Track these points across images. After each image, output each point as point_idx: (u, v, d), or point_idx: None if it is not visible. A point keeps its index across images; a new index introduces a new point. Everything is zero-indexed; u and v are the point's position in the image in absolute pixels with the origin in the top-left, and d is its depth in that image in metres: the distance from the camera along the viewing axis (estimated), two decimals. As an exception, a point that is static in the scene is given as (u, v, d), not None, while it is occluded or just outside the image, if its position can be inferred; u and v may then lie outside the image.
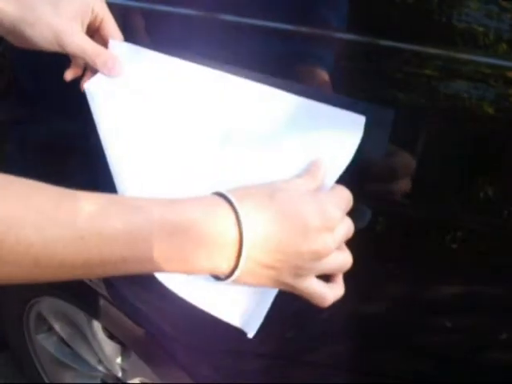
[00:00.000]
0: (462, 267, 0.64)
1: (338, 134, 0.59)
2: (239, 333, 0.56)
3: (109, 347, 1.10)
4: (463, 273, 0.64)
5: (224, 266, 0.47)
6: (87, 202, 0.44)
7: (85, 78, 0.65)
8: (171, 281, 0.58)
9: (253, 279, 0.49)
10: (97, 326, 1.07)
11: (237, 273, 0.47)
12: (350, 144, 0.58)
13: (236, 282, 0.49)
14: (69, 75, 0.66)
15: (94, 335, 1.09)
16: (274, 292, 0.56)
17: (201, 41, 0.69)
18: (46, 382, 1.26)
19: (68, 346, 1.18)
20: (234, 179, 0.55)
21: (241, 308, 0.58)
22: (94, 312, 1.02)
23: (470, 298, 0.65)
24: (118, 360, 1.12)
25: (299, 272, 0.49)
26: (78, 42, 0.62)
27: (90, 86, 0.63)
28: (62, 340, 1.19)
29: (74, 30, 0.62)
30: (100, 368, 1.16)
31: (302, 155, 0.58)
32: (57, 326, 1.16)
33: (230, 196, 0.48)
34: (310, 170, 0.54)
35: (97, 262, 0.44)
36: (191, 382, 0.85)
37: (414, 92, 0.63)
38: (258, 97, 0.62)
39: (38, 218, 0.42)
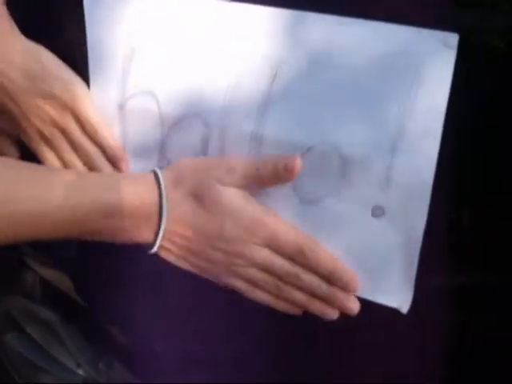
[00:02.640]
0: None
1: (429, 61, 0.47)
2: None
3: (87, 351, 0.95)
4: None
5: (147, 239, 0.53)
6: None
7: None
8: None
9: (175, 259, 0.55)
10: (72, 327, 0.94)
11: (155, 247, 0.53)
12: (444, 73, 0.47)
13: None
14: None
15: (69, 337, 0.96)
16: (415, 259, 0.51)
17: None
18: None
19: (41, 347, 1.01)
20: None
21: (385, 284, 0.53)
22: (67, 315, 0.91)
23: None
24: (100, 365, 0.95)
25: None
26: None
27: None
28: (34, 341, 1.01)
29: None
30: (80, 372, 0.98)
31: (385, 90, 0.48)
32: (27, 326, 1.01)
33: (161, 179, 0.53)
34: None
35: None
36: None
37: None
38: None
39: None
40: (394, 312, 0.53)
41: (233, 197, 0.51)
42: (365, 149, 0.50)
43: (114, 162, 0.59)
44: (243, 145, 0.54)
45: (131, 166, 0.60)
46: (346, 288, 0.52)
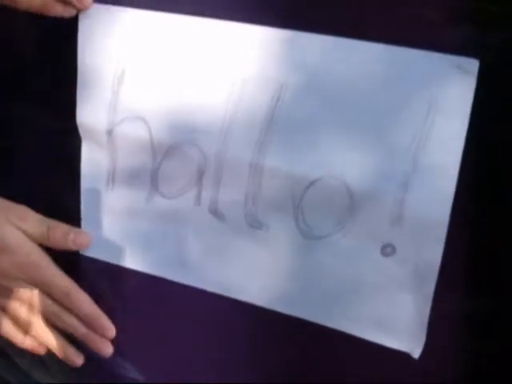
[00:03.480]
0: None
1: (446, 89, 0.43)
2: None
3: (73, 378, 0.87)
4: None
5: None
6: None
7: None
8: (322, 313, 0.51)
9: None
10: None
11: None
12: (463, 102, 0.42)
13: None
14: None
15: (54, 364, 0.85)
16: (428, 302, 0.47)
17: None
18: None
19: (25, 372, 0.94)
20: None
21: (395, 327, 0.48)
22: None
23: None
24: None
25: None
26: None
27: None
28: (17, 366, 0.93)
29: None
30: (68, 402, 0.96)
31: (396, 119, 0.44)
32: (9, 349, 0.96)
33: None
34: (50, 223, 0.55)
35: None
36: None
37: None
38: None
39: None
40: (405, 356, 0.49)
41: (15, 235, 0.54)
42: (375, 182, 0.46)
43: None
44: (241, 176, 0.49)
45: (121, 195, 0.56)
46: (102, 335, 0.57)
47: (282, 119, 0.48)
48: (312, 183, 0.48)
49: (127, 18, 0.52)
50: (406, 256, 0.47)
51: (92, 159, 0.57)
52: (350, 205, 0.47)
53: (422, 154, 0.44)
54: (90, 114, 0.55)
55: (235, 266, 0.53)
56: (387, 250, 0.47)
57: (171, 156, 0.52)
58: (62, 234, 0.55)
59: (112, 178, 0.56)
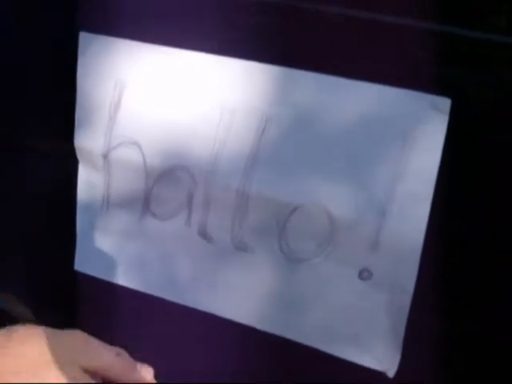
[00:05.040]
0: None
1: (420, 125, 0.45)
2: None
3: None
4: None
5: None
6: None
7: None
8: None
9: None
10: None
11: None
12: (436, 138, 0.45)
13: None
14: None
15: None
16: (402, 324, 0.49)
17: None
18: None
19: None
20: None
21: (371, 347, 0.51)
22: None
23: None
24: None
25: None
26: None
27: None
28: None
29: None
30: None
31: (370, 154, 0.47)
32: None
33: None
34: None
35: None
36: None
37: None
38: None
39: None
40: (381, 375, 0.51)
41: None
42: (353, 211, 0.48)
43: None
44: (229, 201, 0.52)
45: (115, 216, 0.58)
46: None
47: (268, 149, 0.50)
48: (295, 209, 0.50)
49: (125, 49, 0.55)
50: (383, 280, 0.49)
51: (88, 181, 0.59)
52: (331, 230, 0.49)
53: (398, 186, 0.47)
54: (88, 138, 0.57)
55: (222, 287, 0.55)
56: (364, 274, 0.50)
57: (163, 180, 0.55)
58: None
59: (107, 199, 0.58)
